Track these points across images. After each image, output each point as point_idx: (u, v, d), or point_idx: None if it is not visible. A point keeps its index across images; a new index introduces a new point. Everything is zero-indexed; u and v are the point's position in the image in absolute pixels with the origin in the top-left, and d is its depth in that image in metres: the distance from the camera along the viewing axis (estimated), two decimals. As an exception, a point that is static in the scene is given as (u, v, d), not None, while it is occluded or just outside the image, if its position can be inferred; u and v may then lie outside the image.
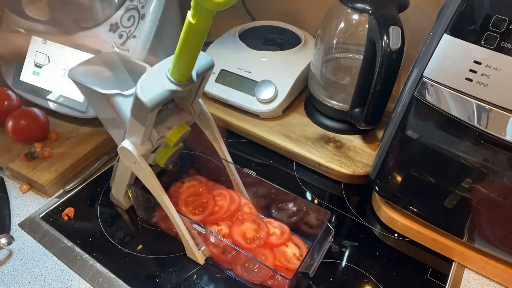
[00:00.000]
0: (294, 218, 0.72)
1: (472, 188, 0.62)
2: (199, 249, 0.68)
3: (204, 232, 0.64)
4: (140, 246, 0.71)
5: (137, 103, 0.53)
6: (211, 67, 0.59)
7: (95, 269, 0.67)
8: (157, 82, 0.53)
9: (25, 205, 0.77)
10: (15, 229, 0.73)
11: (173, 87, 0.53)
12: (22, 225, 0.73)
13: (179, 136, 0.63)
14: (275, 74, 0.90)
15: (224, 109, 0.95)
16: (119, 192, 0.74)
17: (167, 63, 0.53)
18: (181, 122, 0.65)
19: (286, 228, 0.70)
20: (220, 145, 0.74)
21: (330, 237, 0.65)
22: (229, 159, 0.75)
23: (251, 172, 0.72)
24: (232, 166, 0.75)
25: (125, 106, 0.61)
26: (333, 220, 0.77)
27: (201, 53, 0.55)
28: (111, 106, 0.62)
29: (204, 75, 0.59)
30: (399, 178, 0.70)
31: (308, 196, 0.82)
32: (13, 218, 0.75)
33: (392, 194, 0.73)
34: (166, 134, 0.63)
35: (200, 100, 0.67)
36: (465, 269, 0.70)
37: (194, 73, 0.55)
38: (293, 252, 0.68)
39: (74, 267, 0.68)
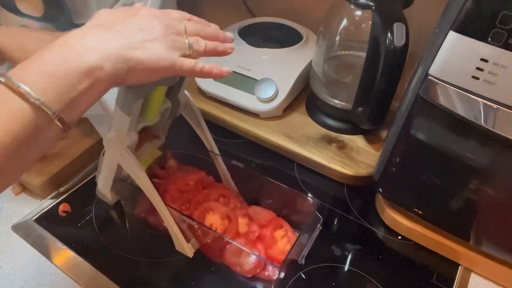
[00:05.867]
0: (284, 210, 0.71)
1: (479, 190, 0.61)
2: (188, 242, 0.68)
3: (193, 224, 0.64)
4: (136, 248, 0.70)
5: (122, 92, 0.53)
6: None
7: (90, 273, 0.66)
8: None
9: (18, 207, 0.76)
10: (8, 232, 0.72)
11: None
12: (15, 228, 0.72)
13: (150, 162, 0.66)
14: (276, 72, 0.89)
15: (223, 108, 0.93)
16: (105, 186, 0.73)
17: None
18: (153, 149, 0.67)
19: (273, 214, 0.70)
20: (207, 137, 0.73)
21: (319, 225, 0.65)
22: (216, 151, 0.74)
23: (238, 163, 0.72)
24: (220, 159, 0.74)
25: (110, 99, 0.61)
26: (335, 223, 0.76)
27: None
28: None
29: None
30: (403, 179, 0.69)
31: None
32: (5, 221, 0.73)
33: (396, 195, 0.72)
34: (140, 157, 0.65)
35: (186, 91, 0.67)
36: (472, 273, 0.69)
37: None
38: (284, 244, 0.67)
39: (69, 271, 0.66)
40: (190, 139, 0.75)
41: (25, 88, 0.39)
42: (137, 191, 0.65)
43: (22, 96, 0.39)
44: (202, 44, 0.52)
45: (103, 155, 0.68)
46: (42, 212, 0.75)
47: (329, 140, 0.86)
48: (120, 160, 0.63)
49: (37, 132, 0.41)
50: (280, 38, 0.98)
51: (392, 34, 0.67)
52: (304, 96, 0.97)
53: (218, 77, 0.55)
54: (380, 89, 0.73)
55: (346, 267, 0.69)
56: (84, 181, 0.81)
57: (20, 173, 0.44)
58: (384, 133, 0.87)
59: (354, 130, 0.87)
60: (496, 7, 0.47)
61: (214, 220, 0.67)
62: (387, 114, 0.78)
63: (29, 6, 0.77)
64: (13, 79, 0.39)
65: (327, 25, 0.86)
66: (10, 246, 0.70)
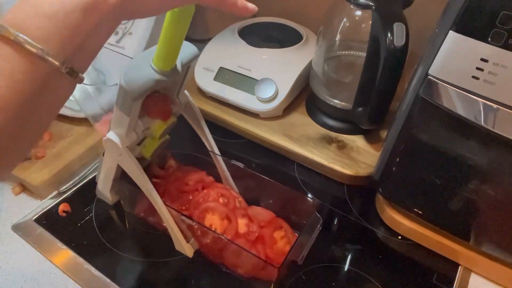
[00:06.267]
0: (284, 210, 0.71)
1: (479, 190, 0.60)
2: (188, 242, 0.68)
3: (192, 224, 0.64)
4: (136, 248, 0.70)
5: (121, 93, 0.53)
6: (195, 56, 0.59)
7: (90, 273, 0.66)
8: (141, 71, 0.53)
9: (18, 207, 0.76)
10: (8, 232, 0.71)
11: (157, 76, 0.53)
12: (15, 228, 0.72)
13: (165, 128, 0.63)
14: (276, 72, 0.89)
15: (223, 108, 0.93)
16: (105, 186, 0.73)
17: (152, 52, 0.53)
18: None
19: (273, 214, 0.70)
20: (207, 137, 0.73)
21: (319, 226, 0.65)
22: (217, 151, 0.74)
23: (238, 163, 0.72)
24: (220, 159, 0.74)
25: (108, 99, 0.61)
26: (335, 223, 0.76)
27: (186, 42, 0.55)
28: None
29: (189, 65, 0.59)
30: (403, 179, 0.69)
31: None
32: (5, 221, 0.73)
33: (396, 195, 0.72)
34: (151, 125, 0.62)
35: (186, 91, 0.67)
36: (472, 273, 0.69)
37: (178, 63, 0.55)
38: (284, 244, 0.67)
39: (69, 271, 0.66)
40: (190, 139, 0.75)
41: (24, 37, 0.33)
42: (137, 191, 0.65)
43: (22, 47, 0.33)
44: None
45: (103, 155, 0.68)
46: (42, 212, 0.75)
47: (329, 140, 0.86)
48: (119, 161, 0.63)
49: (46, 87, 0.36)
50: (280, 38, 0.98)
51: (392, 34, 0.67)
52: (304, 96, 0.97)
53: (242, 12, 0.44)
54: (380, 89, 0.72)
55: (346, 267, 0.69)
56: (84, 181, 0.81)
57: (36, 137, 0.40)
58: (384, 133, 0.87)
59: (354, 130, 0.87)
60: (496, 7, 0.47)
61: (213, 220, 0.67)
62: (387, 114, 0.78)
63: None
64: (9, 29, 0.33)
65: (327, 25, 0.86)
66: (10, 246, 0.69)
